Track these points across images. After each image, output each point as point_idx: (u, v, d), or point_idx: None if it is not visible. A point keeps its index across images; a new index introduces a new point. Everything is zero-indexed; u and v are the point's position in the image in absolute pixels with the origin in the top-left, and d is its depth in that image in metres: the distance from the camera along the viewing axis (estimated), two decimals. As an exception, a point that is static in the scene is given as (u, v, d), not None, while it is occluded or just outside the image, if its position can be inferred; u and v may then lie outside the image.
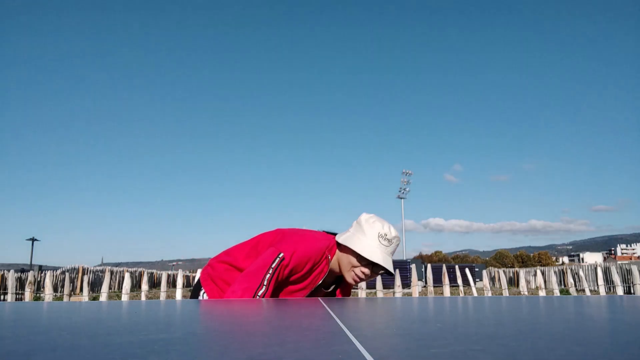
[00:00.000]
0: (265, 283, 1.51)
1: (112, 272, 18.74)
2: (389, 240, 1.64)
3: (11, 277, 10.25)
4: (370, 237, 1.63)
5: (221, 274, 1.71)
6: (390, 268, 1.64)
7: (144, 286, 9.29)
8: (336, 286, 1.83)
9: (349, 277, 1.65)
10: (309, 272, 1.62)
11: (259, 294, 1.50)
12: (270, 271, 1.52)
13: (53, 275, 15.59)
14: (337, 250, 1.70)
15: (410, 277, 14.64)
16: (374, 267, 1.64)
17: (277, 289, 1.64)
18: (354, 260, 1.63)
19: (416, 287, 9.33)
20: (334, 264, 1.69)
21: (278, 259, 1.54)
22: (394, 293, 9.44)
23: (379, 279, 8.86)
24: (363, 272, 1.63)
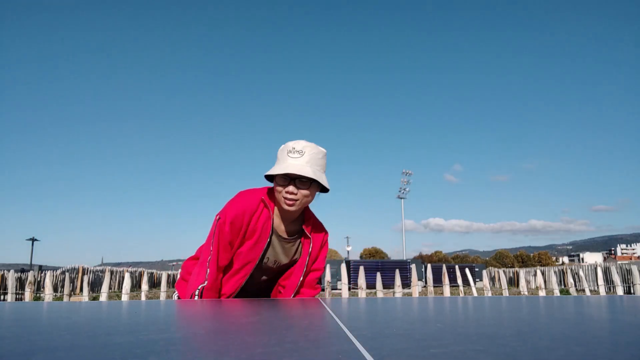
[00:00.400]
0: (211, 248, 1.62)
1: (112, 272, 18.75)
2: (298, 152, 1.61)
3: (11, 277, 10.25)
4: (281, 158, 1.64)
5: (190, 269, 1.78)
6: (310, 174, 1.58)
7: (144, 286, 9.29)
8: (298, 236, 1.78)
9: (283, 204, 1.63)
10: (251, 222, 1.65)
11: (209, 259, 1.61)
12: (214, 236, 1.62)
13: (53, 275, 15.58)
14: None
15: (410, 277, 14.65)
16: (298, 183, 1.61)
17: (234, 251, 1.68)
18: (277, 188, 1.63)
19: (416, 287, 9.33)
20: (278, 212, 1.70)
21: (215, 221, 1.63)
22: (394, 293, 9.45)
23: (378, 278, 8.85)
24: (288, 191, 1.60)
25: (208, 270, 1.61)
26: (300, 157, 1.60)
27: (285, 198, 1.61)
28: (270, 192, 1.70)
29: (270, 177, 1.70)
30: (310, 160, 1.62)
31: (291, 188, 1.60)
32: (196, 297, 1.61)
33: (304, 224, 1.75)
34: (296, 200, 1.62)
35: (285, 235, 1.73)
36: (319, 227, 1.81)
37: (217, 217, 1.64)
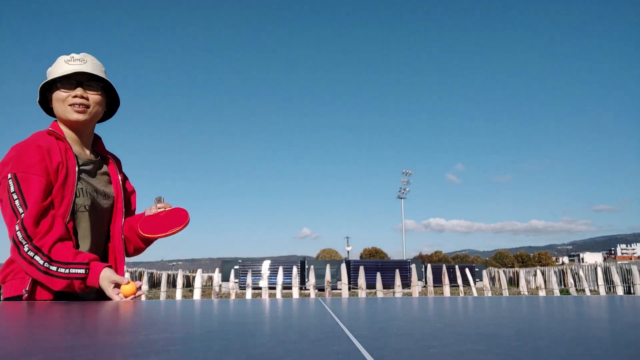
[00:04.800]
0: (19, 211, 1.30)
1: (112, 272, 18.65)
2: (79, 60, 1.47)
3: (11, 277, 10.23)
4: (58, 68, 1.46)
5: (7, 268, 1.45)
6: (93, 70, 1.47)
7: (144, 286, 9.29)
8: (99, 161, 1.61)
9: (72, 113, 1.45)
10: (53, 160, 1.39)
11: (23, 222, 1.29)
12: (15, 196, 1.31)
13: (53, 275, 15.48)
14: (58, 121, 1.52)
15: (410, 277, 14.65)
16: (86, 88, 1.47)
17: (56, 195, 1.40)
18: (60, 96, 1.45)
19: (416, 287, 9.33)
20: (71, 136, 1.51)
21: (9, 181, 1.33)
22: (394, 293, 9.44)
23: (378, 278, 8.84)
24: (76, 96, 1.44)
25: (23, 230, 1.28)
26: (83, 64, 1.46)
27: (73, 103, 1.44)
28: (54, 127, 1.50)
29: (49, 110, 1.54)
30: (95, 68, 1.48)
31: (79, 91, 1.44)
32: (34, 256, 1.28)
33: (96, 146, 1.63)
34: (87, 106, 1.46)
35: (90, 158, 1.56)
36: (109, 151, 1.69)
37: (9, 176, 1.33)
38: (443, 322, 0.73)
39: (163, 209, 1.63)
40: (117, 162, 1.68)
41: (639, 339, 0.54)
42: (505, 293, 11.15)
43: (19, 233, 1.29)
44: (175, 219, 1.60)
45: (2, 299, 1.44)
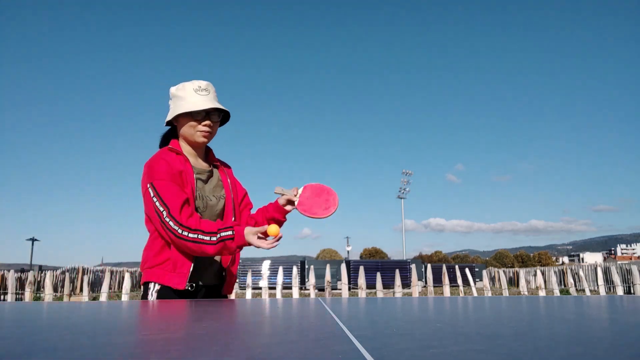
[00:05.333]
0: (160, 209, 1.61)
1: (112, 272, 18.72)
2: (205, 90, 1.78)
3: (11, 277, 10.26)
4: (188, 96, 1.75)
5: (149, 257, 1.76)
6: (216, 103, 1.77)
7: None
8: (212, 168, 1.89)
9: (200, 137, 1.78)
10: (173, 168, 1.69)
11: (171, 213, 1.58)
12: (155, 199, 1.62)
13: (53, 275, 15.55)
14: (180, 137, 1.83)
15: (410, 277, 14.64)
16: (211, 117, 1.78)
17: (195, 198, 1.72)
18: (191, 123, 1.76)
19: (416, 287, 9.33)
20: (188, 150, 1.82)
21: (150, 190, 1.65)
22: (394, 293, 9.45)
23: (378, 278, 8.85)
24: (205, 125, 1.76)
25: (172, 221, 1.57)
26: (209, 95, 1.79)
27: (203, 131, 1.77)
28: (173, 144, 1.81)
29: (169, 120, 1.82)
30: (216, 99, 1.81)
31: (207, 122, 1.77)
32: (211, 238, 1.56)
33: (208, 157, 1.92)
34: (210, 132, 1.80)
35: (204, 168, 1.85)
36: (219, 159, 1.98)
37: (149, 184, 1.65)
38: (443, 322, 0.73)
39: (297, 195, 1.90)
40: (227, 168, 2.01)
41: (639, 339, 0.54)
42: (505, 293, 11.16)
43: (170, 222, 1.57)
44: (325, 197, 1.94)
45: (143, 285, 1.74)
